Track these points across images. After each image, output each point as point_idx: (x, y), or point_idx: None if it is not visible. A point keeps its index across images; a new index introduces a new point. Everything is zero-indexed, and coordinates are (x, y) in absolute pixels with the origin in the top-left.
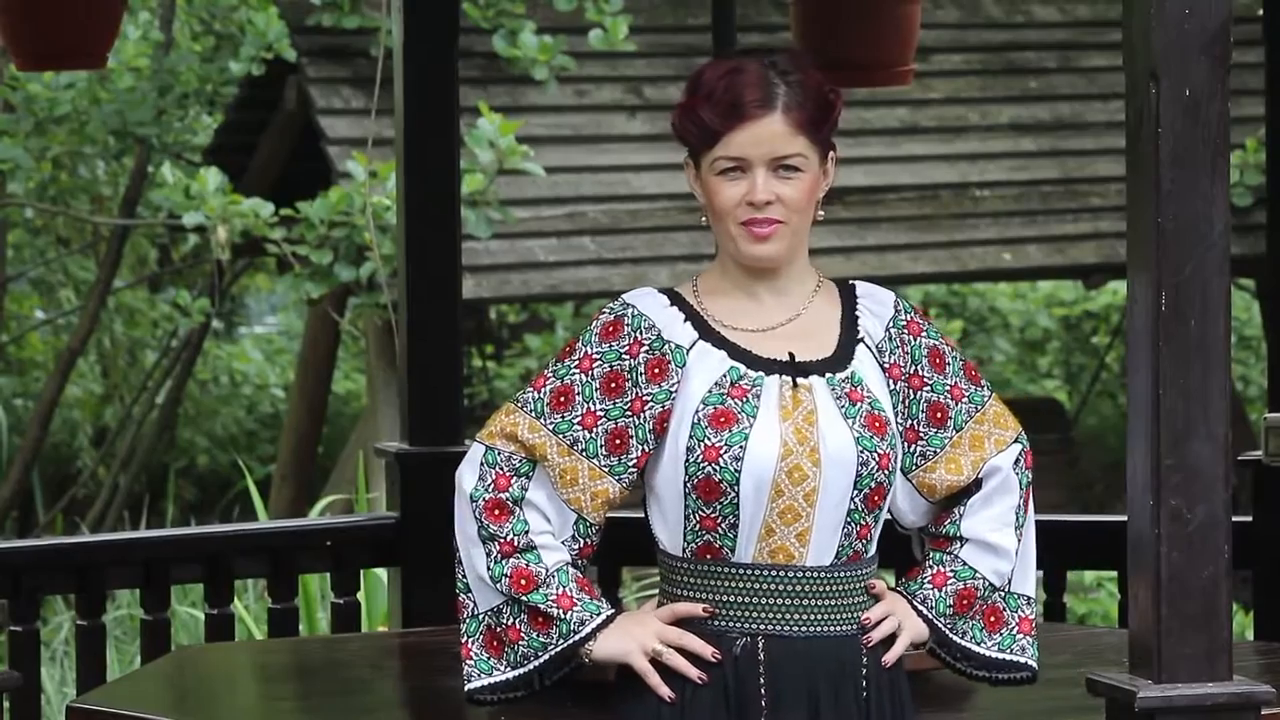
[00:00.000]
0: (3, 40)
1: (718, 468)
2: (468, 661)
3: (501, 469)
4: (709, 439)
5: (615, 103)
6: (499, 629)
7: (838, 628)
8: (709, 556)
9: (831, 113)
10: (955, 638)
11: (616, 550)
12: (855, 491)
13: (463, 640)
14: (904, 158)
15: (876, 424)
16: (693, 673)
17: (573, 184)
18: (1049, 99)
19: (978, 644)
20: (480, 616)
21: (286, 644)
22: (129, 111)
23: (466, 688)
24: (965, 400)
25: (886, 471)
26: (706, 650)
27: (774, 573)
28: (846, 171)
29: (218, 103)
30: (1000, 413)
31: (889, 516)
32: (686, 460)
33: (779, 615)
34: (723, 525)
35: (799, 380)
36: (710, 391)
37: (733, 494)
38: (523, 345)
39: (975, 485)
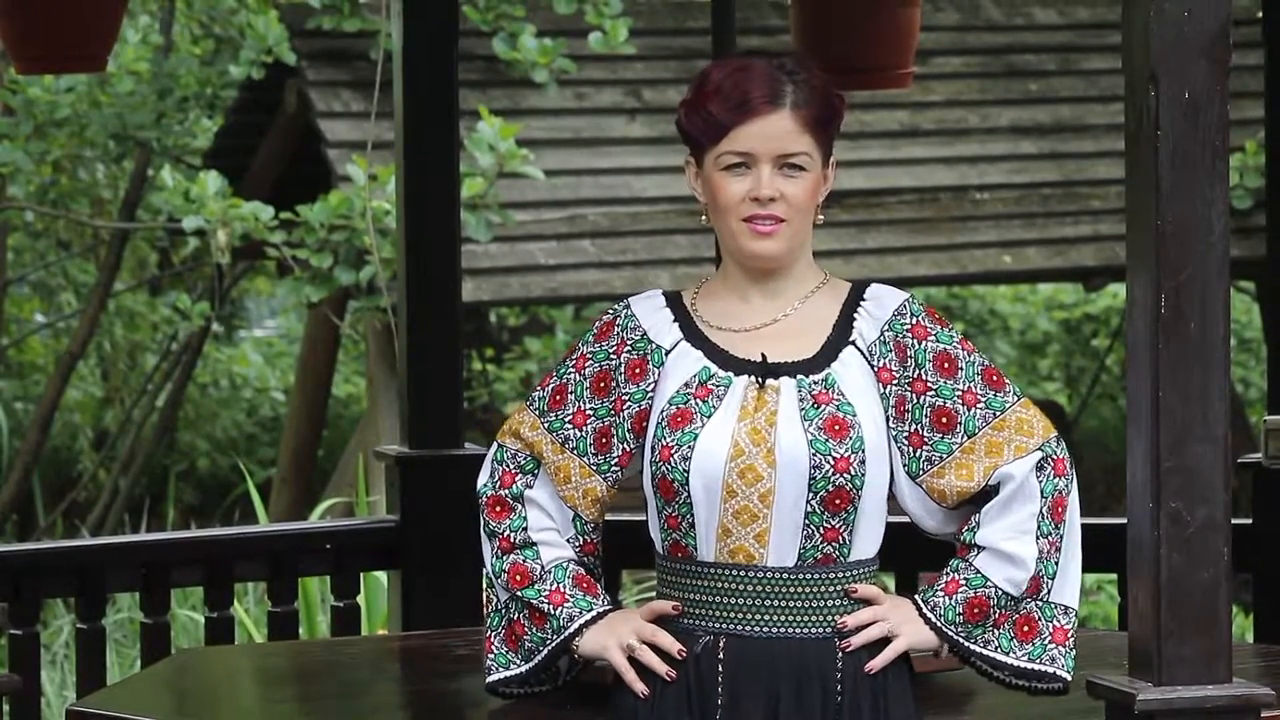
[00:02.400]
0: (3, 43)
1: (670, 467)
2: (489, 655)
3: (508, 466)
4: (665, 439)
5: (615, 105)
6: (511, 623)
7: (804, 630)
8: (679, 555)
9: (836, 115)
10: (975, 646)
11: (616, 553)
12: (810, 494)
13: (487, 634)
14: (904, 160)
15: (836, 427)
16: (661, 669)
17: (572, 187)
18: (1049, 102)
19: (1006, 653)
20: (501, 610)
21: (286, 647)
22: (129, 115)
23: (487, 680)
24: (980, 406)
25: (847, 475)
26: (674, 647)
27: (735, 572)
28: (846, 174)
29: (217, 106)
30: (1024, 419)
31: (900, 520)
32: (650, 459)
33: (740, 615)
34: (683, 524)
35: (768, 381)
36: (678, 392)
37: (685, 493)
38: (523, 348)
39: (994, 491)
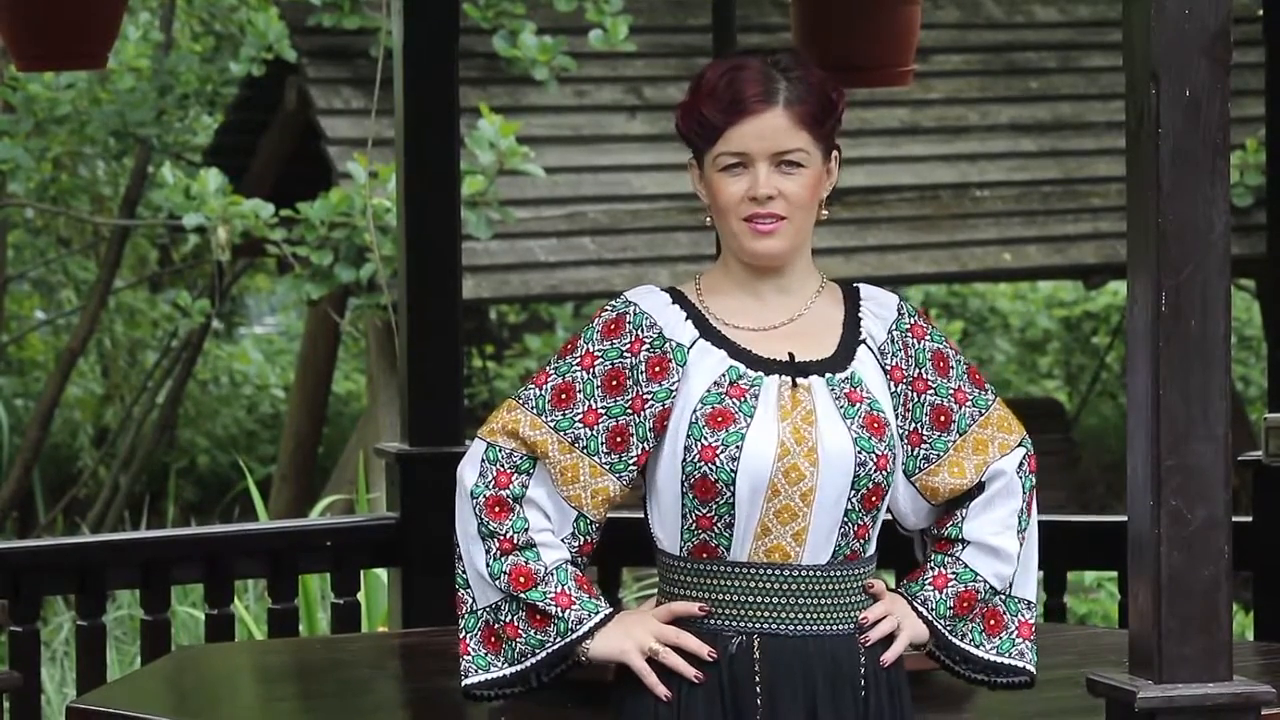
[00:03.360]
0: (3, 41)
1: (714, 467)
2: (465, 657)
3: (502, 466)
4: (706, 438)
5: (615, 103)
6: (497, 625)
7: (834, 626)
8: (705, 555)
9: (834, 110)
10: (955, 640)
11: (617, 551)
12: (853, 492)
13: (461, 636)
14: (904, 158)
15: (875, 425)
16: (689, 672)
17: (573, 184)
18: (1049, 99)
19: (976, 646)
20: (479, 613)
21: (287, 644)
22: (129, 112)
23: (463, 683)
24: (969, 404)
25: (884, 472)
26: (703, 649)
27: (769, 571)
28: (847, 172)
29: (218, 103)
30: (1004, 417)
31: (888, 518)
32: (684, 459)
33: (774, 614)
34: (718, 524)
35: (798, 380)
36: (709, 391)
37: (728, 494)
38: (523, 345)
39: (978, 488)
